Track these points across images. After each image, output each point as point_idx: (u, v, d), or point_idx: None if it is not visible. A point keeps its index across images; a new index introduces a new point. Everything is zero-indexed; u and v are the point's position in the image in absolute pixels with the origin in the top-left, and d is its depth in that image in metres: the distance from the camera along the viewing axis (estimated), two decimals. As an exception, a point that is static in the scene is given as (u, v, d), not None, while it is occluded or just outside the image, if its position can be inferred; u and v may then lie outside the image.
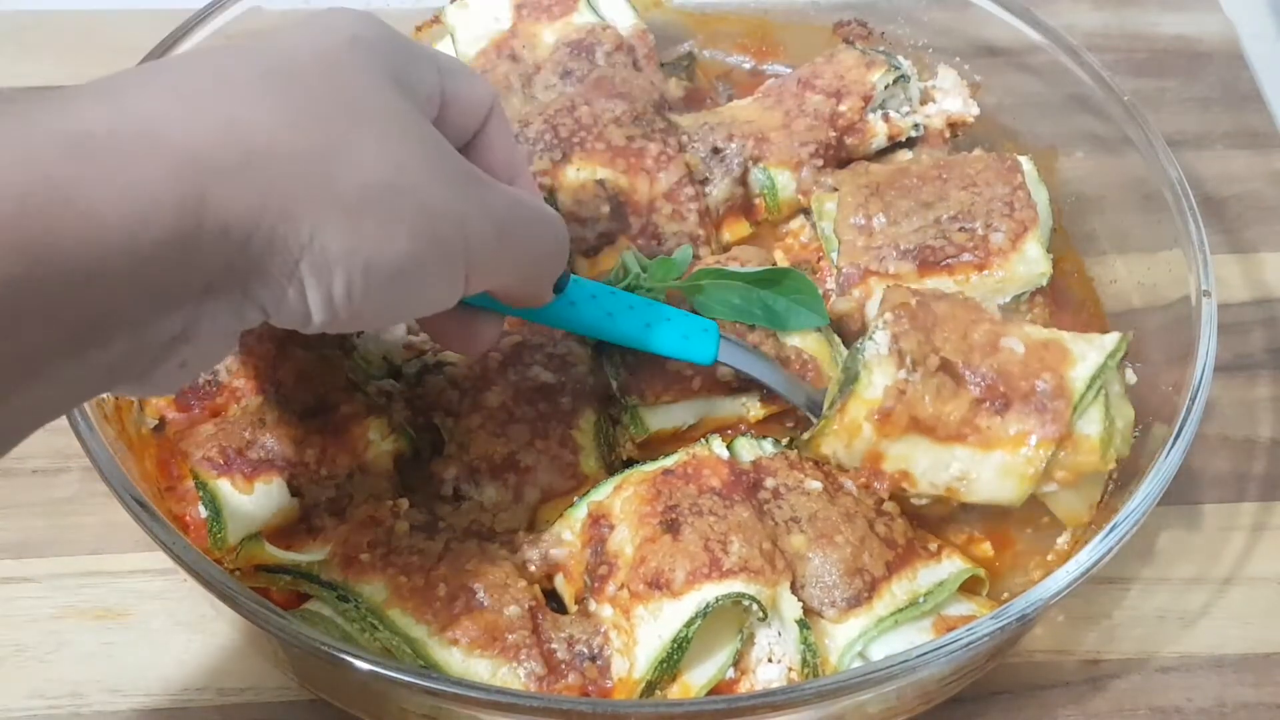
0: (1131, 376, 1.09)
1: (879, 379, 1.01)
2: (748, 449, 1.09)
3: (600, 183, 1.22)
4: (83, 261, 0.64)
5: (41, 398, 0.68)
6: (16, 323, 0.63)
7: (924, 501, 1.06)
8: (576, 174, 1.22)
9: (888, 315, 1.04)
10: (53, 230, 0.63)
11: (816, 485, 1.04)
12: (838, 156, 1.29)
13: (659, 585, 0.96)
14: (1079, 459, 1.01)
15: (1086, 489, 1.05)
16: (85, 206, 0.64)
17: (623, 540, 1.00)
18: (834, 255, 1.21)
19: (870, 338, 1.04)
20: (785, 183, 1.27)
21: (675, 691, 0.96)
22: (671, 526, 0.99)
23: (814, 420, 1.07)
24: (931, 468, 1.02)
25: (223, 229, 0.68)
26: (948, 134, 1.34)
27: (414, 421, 1.08)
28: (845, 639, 0.98)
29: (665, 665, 0.94)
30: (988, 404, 1.01)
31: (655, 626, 0.95)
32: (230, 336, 0.76)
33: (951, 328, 1.04)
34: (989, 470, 1.01)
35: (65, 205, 0.63)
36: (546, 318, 1.02)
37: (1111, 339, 1.04)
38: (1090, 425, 1.01)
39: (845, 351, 1.16)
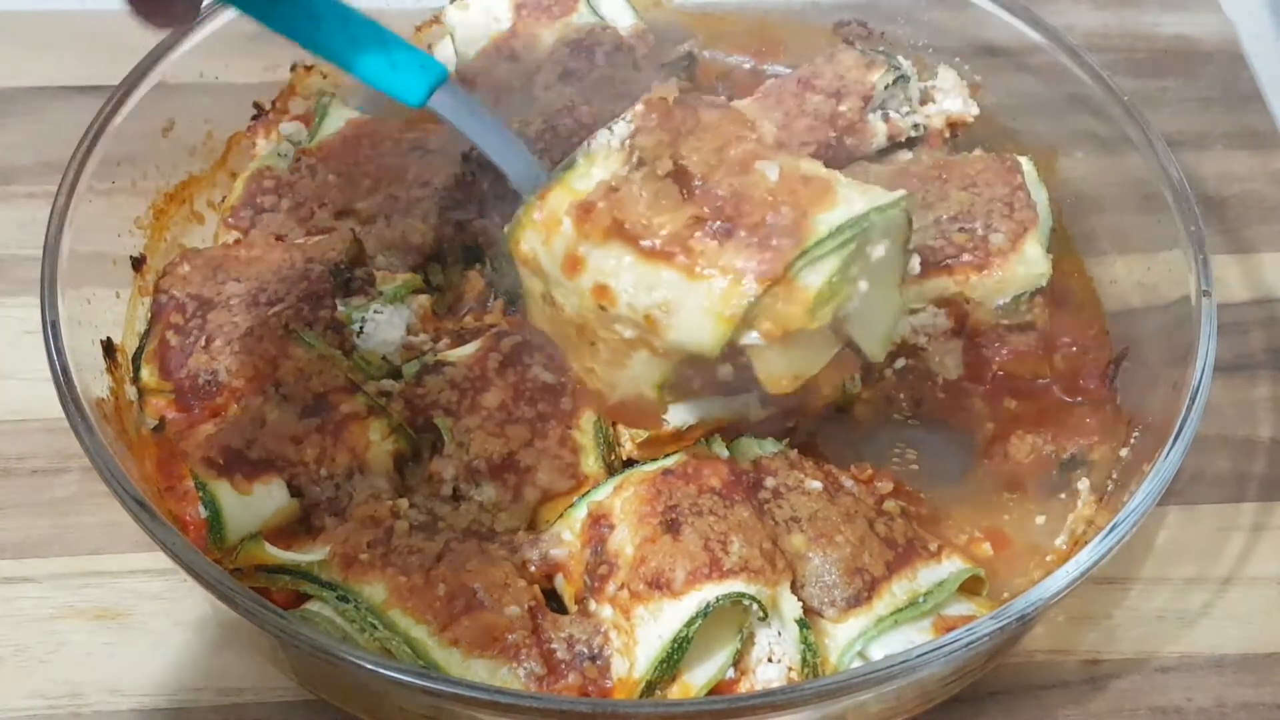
0: (915, 265, 0.95)
1: (598, 171, 0.91)
2: (748, 449, 1.09)
3: (600, 183, 1.22)
4: None
5: None
6: None
7: (629, 334, 0.93)
8: (576, 174, 1.21)
9: (639, 107, 0.92)
10: None
11: (817, 485, 1.04)
12: (838, 157, 1.29)
13: (659, 585, 0.96)
14: (787, 309, 0.88)
15: (798, 354, 0.92)
16: None
17: (623, 540, 1.00)
18: (834, 255, 1.20)
19: (609, 126, 0.93)
20: (785, 183, 1.26)
21: (675, 691, 0.96)
22: (672, 526, 0.99)
23: (524, 199, 0.96)
24: (634, 287, 0.90)
25: None
26: (947, 134, 1.34)
27: (414, 421, 1.08)
28: (845, 639, 0.98)
29: (665, 665, 0.94)
30: (709, 224, 0.88)
31: (655, 626, 0.95)
32: None
33: (709, 138, 0.91)
34: (692, 302, 0.89)
35: None
36: (244, 3, 0.92)
37: (893, 195, 0.90)
38: (815, 276, 0.88)
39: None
